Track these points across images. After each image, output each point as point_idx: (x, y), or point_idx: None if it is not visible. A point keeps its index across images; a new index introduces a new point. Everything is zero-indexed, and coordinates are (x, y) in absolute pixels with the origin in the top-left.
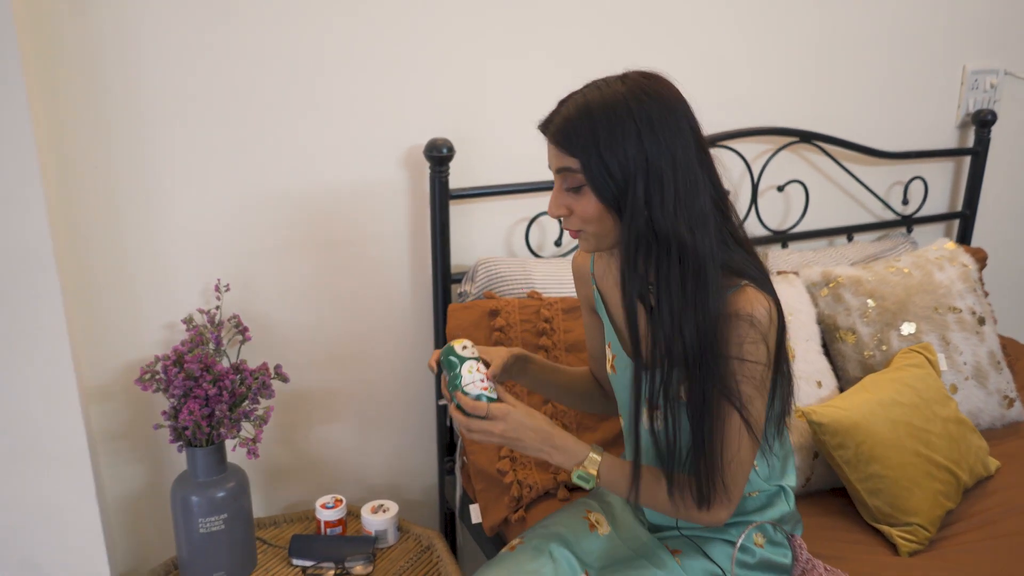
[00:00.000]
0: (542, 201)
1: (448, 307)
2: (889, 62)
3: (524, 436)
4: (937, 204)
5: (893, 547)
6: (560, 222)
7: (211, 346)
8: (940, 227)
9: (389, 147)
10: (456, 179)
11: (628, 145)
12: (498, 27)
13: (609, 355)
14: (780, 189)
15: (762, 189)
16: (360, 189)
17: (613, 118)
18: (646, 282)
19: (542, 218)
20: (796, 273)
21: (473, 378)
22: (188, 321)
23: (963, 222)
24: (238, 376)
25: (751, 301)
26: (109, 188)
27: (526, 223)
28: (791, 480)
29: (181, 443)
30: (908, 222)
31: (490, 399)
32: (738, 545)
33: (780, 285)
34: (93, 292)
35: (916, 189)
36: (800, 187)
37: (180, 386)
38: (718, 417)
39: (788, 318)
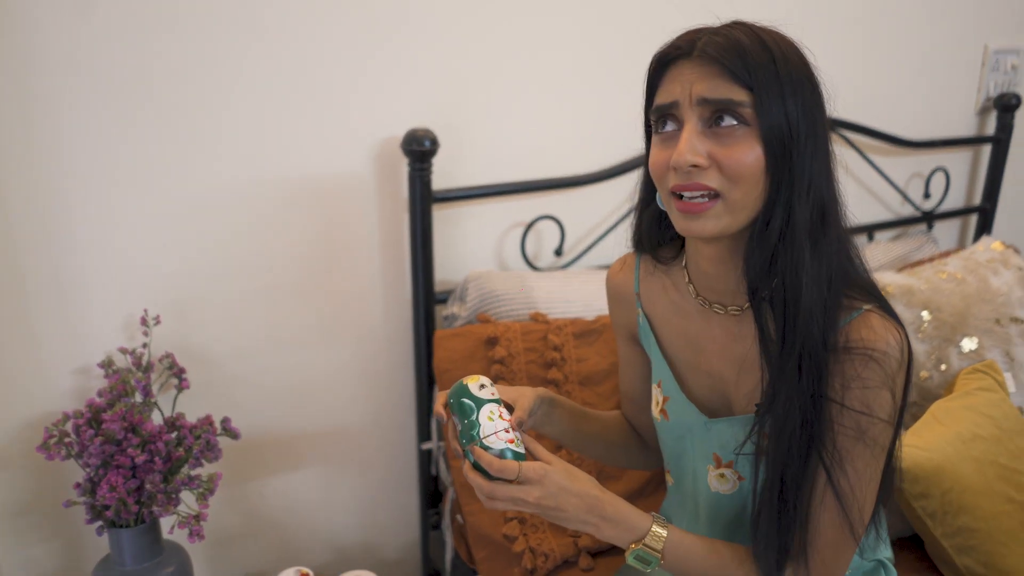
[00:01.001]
0: (541, 203)
1: (435, 334)
2: (910, 42)
3: (566, 504)
4: (955, 198)
5: None
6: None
7: (137, 397)
8: (956, 223)
9: (358, 140)
10: (440, 178)
11: (806, 96)
12: (476, 17)
13: (659, 397)
14: None
15: None
16: (322, 191)
17: (796, 61)
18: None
19: (539, 223)
20: None
21: (495, 427)
22: (107, 365)
23: (982, 216)
24: (174, 435)
25: (877, 331)
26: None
27: (522, 229)
28: (887, 551)
29: (101, 524)
30: (929, 218)
31: (517, 455)
32: None
33: None
34: None
35: (937, 181)
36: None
37: (97, 453)
38: (816, 486)
39: None
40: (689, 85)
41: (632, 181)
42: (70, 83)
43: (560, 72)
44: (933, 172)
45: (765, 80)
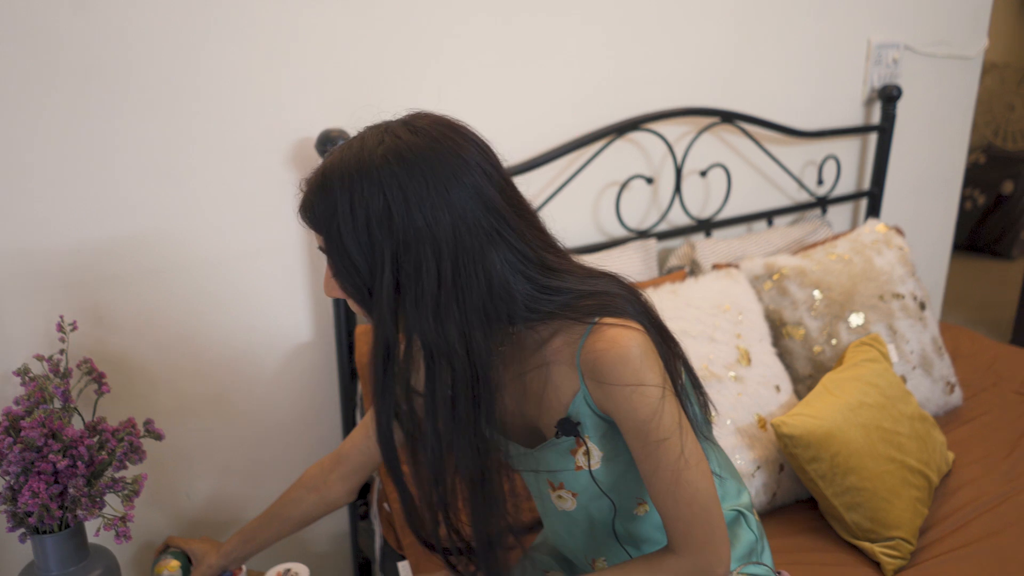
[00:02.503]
0: None
1: (355, 330)
2: (798, 36)
3: None
4: (846, 183)
5: (875, 564)
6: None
7: (56, 403)
8: (848, 207)
9: (271, 142)
10: None
11: (372, 224)
12: (390, 10)
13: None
14: (703, 174)
15: (685, 173)
16: (238, 192)
17: (356, 187)
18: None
19: None
20: (736, 266)
21: None
22: (23, 372)
23: (871, 200)
24: (96, 439)
25: (612, 340)
26: None
27: None
28: (745, 499)
29: (23, 531)
30: (823, 203)
31: None
32: None
33: (722, 281)
34: None
35: (829, 168)
36: (722, 171)
37: (17, 460)
38: (664, 469)
39: (738, 317)
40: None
41: (543, 173)
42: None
43: (465, 72)
44: (825, 160)
45: (322, 220)
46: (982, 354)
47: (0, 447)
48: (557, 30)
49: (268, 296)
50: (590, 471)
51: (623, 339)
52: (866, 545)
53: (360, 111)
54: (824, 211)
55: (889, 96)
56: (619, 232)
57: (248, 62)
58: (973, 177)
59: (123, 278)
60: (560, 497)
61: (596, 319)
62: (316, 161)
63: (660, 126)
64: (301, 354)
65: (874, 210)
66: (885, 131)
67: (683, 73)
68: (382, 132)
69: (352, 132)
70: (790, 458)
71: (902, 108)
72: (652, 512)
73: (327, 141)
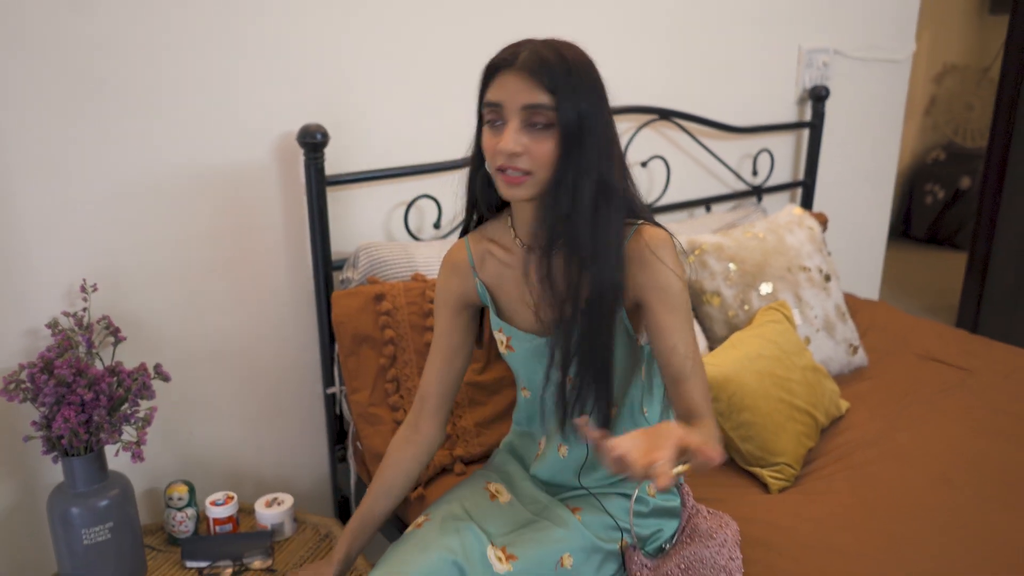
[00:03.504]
0: (420, 184)
1: (332, 295)
2: (734, 42)
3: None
4: (782, 174)
5: (764, 486)
6: (490, 166)
7: (81, 349)
8: (785, 195)
9: (259, 134)
10: (331, 166)
11: (594, 96)
12: (366, 11)
13: (503, 339)
14: (644, 165)
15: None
16: (232, 178)
17: (584, 69)
18: (588, 226)
19: (420, 201)
20: None
21: None
22: (53, 325)
23: (805, 190)
24: (115, 379)
25: (651, 231)
26: None
27: (404, 207)
28: None
29: (56, 453)
30: (758, 192)
31: None
32: (634, 497)
33: None
34: None
35: (763, 161)
36: (661, 162)
37: (51, 393)
38: (690, 343)
39: None
40: (513, 93)
41: None
42: (19, 98)
43: (433, 70)
44: (759, 153)
45: (562, 87)
46: (895, 325)
47: (37, 383)
48: (513, 34)
49: (259, 268)
50: None
51: (662, 232)
52: (757, 470)
53: (333, 108)
54: (759, 199)
55: (818, 96)
56: None
57: (237, 68)
58: (933, 173)
59: (136, 248)
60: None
61: (640, 222)
62: (297, 151)
63: None
64: (285, 316)
65: (807, 199)
66: (815, 127)
67: (627, 75)
68: (565, 42)
69: (327, 124)
70: None
71: (833, 106)
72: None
73: (306, 134)
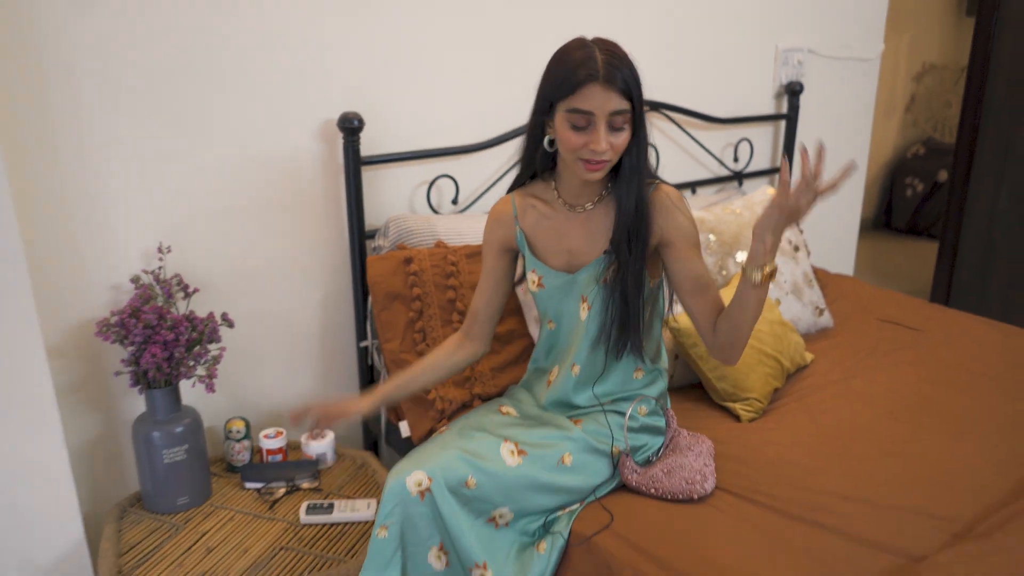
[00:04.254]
0: (440, 166)
1: (367, 259)
2: (718, 42)
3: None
4: (761, 161)
5: (736, 417)
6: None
7: (161, 299)
8: (764, 180)
9: (305, 121)
10: (364, 148)
11: (641, 91)
12: (394, 15)
13: (535, 278)
14: None
15: None
16: (281, 159)
17: (636, 72)
18: (635, 188)
19: (440, 180)
20: None
21: None
22: (136, 280)
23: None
24: (190, 324)
25: (668, 187)
26: (56, 165)
27: (427, 185)
28: (665, 363)
29: (141, 386)
30: (739, 176)
31: None
32: (628, 414)
33: None
34: (43, 258)
35: (744, 149)
36: (652, 150)
37: (140, 334)
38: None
39: None
40: (602, 103)
41: (506, 150)
42: (109, 90)
43: (450, 66)
44: (740, 142)
45: (636, 94)
46: (860, 294)
47: (127, 326)
48: (523, 34)
49: (303, 237)
50: (607, 284)
51: (677, 191)
52: (730, 404)
53: (368, 99)
54: (740, 183)
55: (793, 91)
56: None
57: (289, 64)
58: (913, 167)
59: (203, 217)
60: (586, 308)
61: (658, 181)
62: (337, 134)
63: None
64: (325, 277)
65: None
66: (791, 119)
67: None
68: (613, 42)
69: (363, 112)
70: (679, 346)
71: (807, 100)
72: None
73: (345, 121)
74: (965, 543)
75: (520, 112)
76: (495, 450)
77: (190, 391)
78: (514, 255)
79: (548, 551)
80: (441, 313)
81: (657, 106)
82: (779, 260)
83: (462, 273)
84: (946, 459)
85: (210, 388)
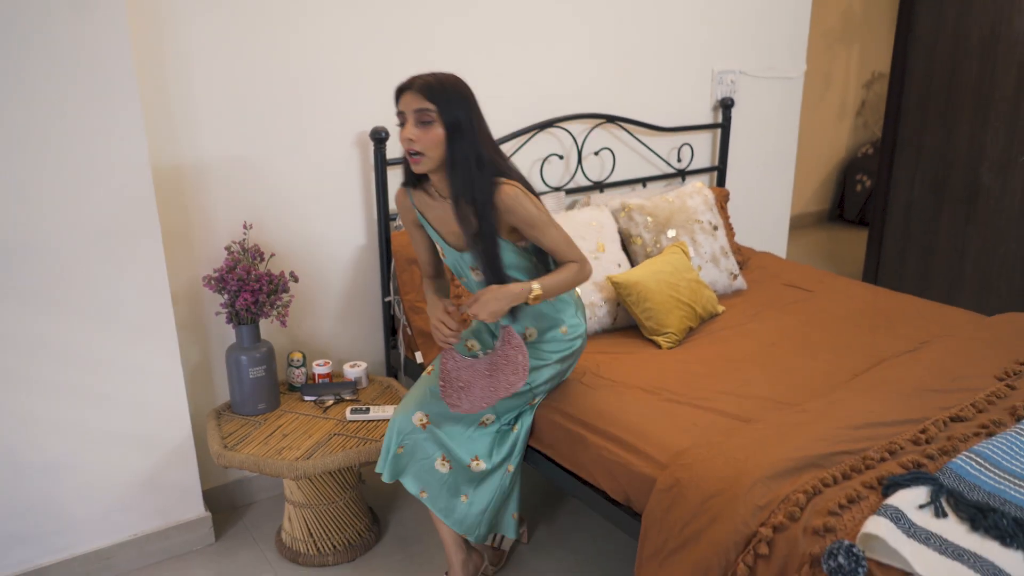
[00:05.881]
0: None
1: (391, 234)
2: (664, 64)
3: (491, 297)
4: (702, 161)
5: (659, 346)
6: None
7: (247, 260)
8: (705, 177)
9: (346, 133)
10: (389, 152)
11: (462, 103)
12: (409, 47)
13: (440, 248)
14: (596, 154)
15: (584, 155)
16: (327, 159)
17: (455, 87)
18: (469, 185)
19: None
20: (606, 205)
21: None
22: (229, 248)
23: (719, 172)
24: (268, 278)
25: (508, 187)
26: (176, 160)
27: None
28: (583, 320)
29: (234, 323)
30: (683, 174)
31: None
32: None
33: (595, 211)
34: (165, 232)
35: (686, 151)
36: (609, 152)
37: (235, 283)
38: (556, 237)
39: (600, 230)
40: (409, 103)
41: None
42: (206, 111)
43: None
44: (682, 146)
45: (441, 98)
46: (773, 265)
47: (225, 279)
48: (511, 62)
49: (343, 218)
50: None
51: (511, 186)
52: (655, 337)
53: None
54: (683, 179)
55: (726, 105)
56: (543, 188)
57: (332, 88)
58: (863, 165)
59: (271, 203)
60: (475, 273)
61: (502, 180)
62: (369, 143)
63: (567, 124)
64: (358, 250)
65: (720, 179)
66: (724, 128)
67: (583, 89)
68: (443, 73)
69: (390, 128)
70: (620, 296)
71: (739, 112)
72: None
73: (375, 133)
74: (782, 411)
75: (501, 125)
76: None
77: (266, 327)
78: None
79: (519, 429)
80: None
81: (613, 118)
82: (701, 237)
83: None
84: (798, 368)
85: (283, 323)
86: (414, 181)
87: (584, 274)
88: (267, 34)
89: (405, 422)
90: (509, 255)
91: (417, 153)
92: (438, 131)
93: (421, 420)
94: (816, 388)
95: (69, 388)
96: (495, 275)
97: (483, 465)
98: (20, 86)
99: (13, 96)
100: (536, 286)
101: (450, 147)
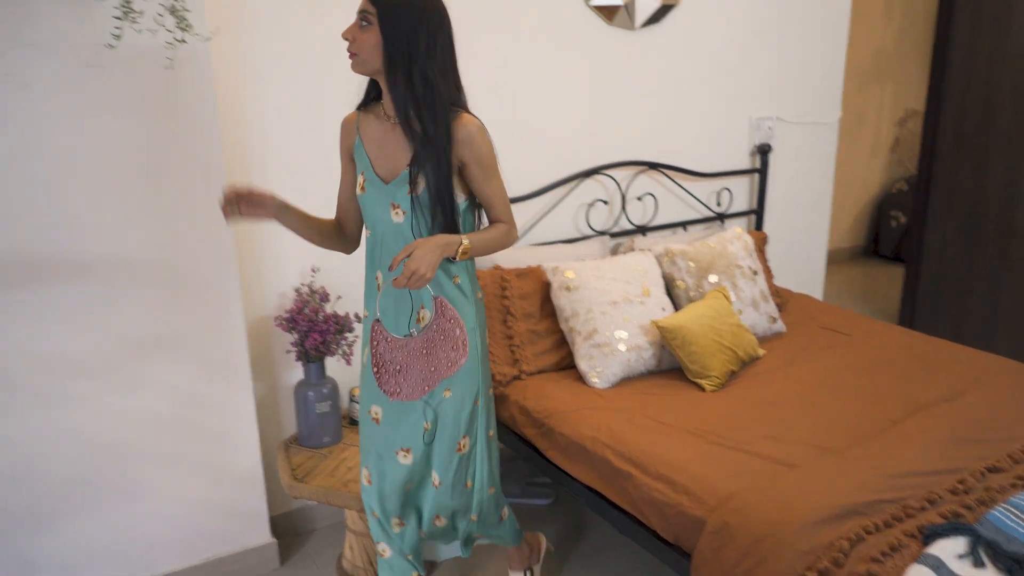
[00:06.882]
0: None
1: None
2: (704, 113)
3: (426, 247)
4: (741, 204)
5: (702, 389)
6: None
7: (316, 302)
8: (743, 220)
9: None
10: None
11: (408, 13)
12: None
13: (361, 181)
14: (639, 199)
15: (628, 199)
16: None
17: (414, 5)
18: (408, 100)
19: None
20: (650, 250)
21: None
22: (298, 290)
23: (757, 216)
24: (334, 319)
25: (467, 118)
26: None
27: None
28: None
29: (303, 361)
30: (722, 217)
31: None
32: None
33: (640, 256)
34: (241, 274)
35: (725, 195)
36: (652, 197)
37: (305, 324)
38: (499, 188)
39: (645, 275)
40: (361, 2)
41: (543, 200)
42: (278, 156)
43: (525, 128)
44: (721, 190)
45: (383, 4)
46: (810, 308)
47: (296, 319)
48: (557, 112)
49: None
50: (416, 195)
51: (474, 119)
52: (699, 380)
53: None
54: (723, 223)
55: (764, 150)
56: (588, 232)
57: None
58: (897, 201)
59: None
60: (396, 213)
61: (459, 110)
62: None
63: (612, 171)
64: None
65: (759, 223)
66: (762, 173)
67: (627, 138)
68: None
69: None
70: (664, 340)
71: (776, 157)
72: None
73: None
74: (823, 457)
75: (549, 173)
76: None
77: (331, 364)
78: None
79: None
80: (498, 314)
81: (655, 165)
82: (742, 282)
83: (512, 287)
84: (837, 414)
85: (348, 362)
86: (367, 104)
87: (511, 238)
88: (333, 97)
89: (364, 492)
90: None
91: (354, 54)
92: (375, 36)
93: (367, 478)
94: (855, 434)
95: (152, 417)
96: (441, 198)
97: (410, 458)
98: (122, 145)
99: (118, 151)
100: (465, 240)
101: (388, 56)
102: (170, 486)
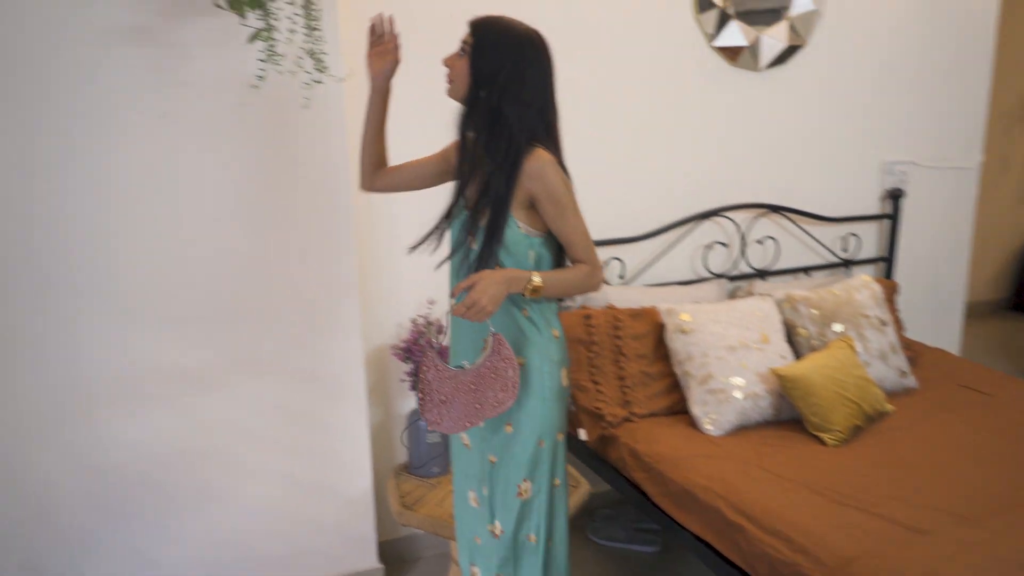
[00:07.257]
0: (611, 250)
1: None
2: (832, 156)
3: (490, 281)
4: (869, 251)
5: (823, 443)
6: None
7: (431, 333)
8: (871, 268)
9: None
10: None
11: (498, 50)
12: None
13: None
14: (759, 242)
15: (748, 242)
16: None
17: (505, 33)
18: (470, 126)
19: (611, 262)
20: (770, 295)
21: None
22: (415, 321)
23: (887, 264)
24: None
25: (539, 155)
26: (372, 249)
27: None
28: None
29: (415, 390)
30: (848, 264)
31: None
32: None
33: (759, 302)
34: (360, 302)
35: (852, 241)
36: (772, 241)
37: (420, 354)
38: (577, 226)
39: (764, 320)
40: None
41: (656, 241)
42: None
43: (618, 182)
44: (848, 235)
45: (482, 34)
46: (946, 363)
47: (412, 350)
48: (678, 153)
49: None
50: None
51: (543, 155)
52: (820, 433)
53: None
54: (849, 269)
55: (895, 196)
56: (705, 274)
57: None
58: None
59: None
60: (473, 241)
61: (537, 146)
62: None
63: (731, 213)
64: None
65: (888, 271)
66: (894, 219)
67: (750, 180)
68: (527, 25)
69: None
70: (784, 389)
71: (910, 203)
72: None
73: None
74: (957, 525)
75: (667, 214)
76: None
77: None
78: (444, 174)
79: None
80: (610, 354)
81: (777, 208)
82: (870, 332)
83: (625, 327)
84: (973, 479)
85: None
86: None
87: (594, 282)
88: None
89: (474, 514)
90: (512, 231)
91: (450, 80)
92: (467, 64)
93: (474, 500)
94: (994, 503)
95: (272, 438)
96: (489, 239)
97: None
98: (261, 177)
99: (256, 183)
100: (536, 277)
101: (473, 85)
102: (285, 504)
